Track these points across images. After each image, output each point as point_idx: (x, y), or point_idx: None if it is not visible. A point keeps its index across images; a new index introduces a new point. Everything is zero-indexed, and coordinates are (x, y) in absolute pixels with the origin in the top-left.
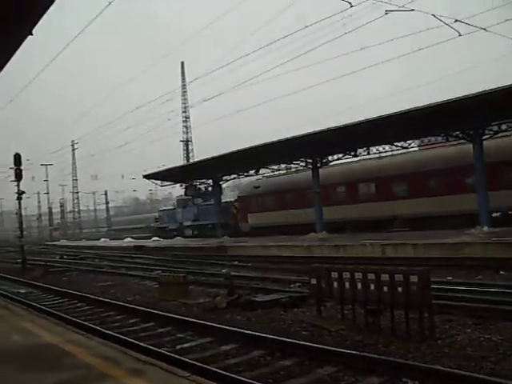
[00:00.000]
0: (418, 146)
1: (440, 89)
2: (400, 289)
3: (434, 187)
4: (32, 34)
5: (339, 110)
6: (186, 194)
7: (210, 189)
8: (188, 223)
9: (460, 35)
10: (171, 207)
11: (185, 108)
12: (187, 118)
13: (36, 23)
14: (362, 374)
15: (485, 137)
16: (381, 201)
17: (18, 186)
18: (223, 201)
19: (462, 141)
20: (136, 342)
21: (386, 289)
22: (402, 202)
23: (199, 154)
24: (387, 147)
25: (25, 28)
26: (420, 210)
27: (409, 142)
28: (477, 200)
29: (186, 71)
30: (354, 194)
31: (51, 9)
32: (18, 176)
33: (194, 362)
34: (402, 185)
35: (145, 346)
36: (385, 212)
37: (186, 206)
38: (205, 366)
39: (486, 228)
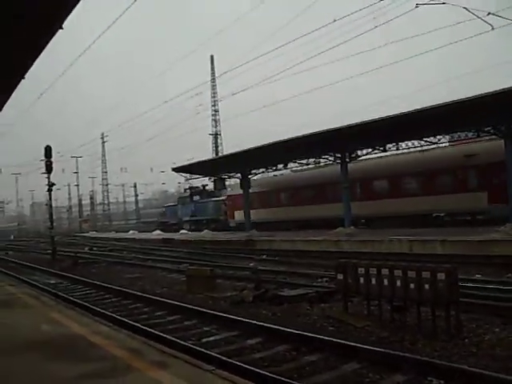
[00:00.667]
0: (449, 142)
1: (472, 83)
2: (427, 286)
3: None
4: (62, 28)
5: (374, 102)
6: (214, 188)
7: (206, 187)
8: (186, 218)
9: (493, 29)
10: (173, 204)
11: (214, 101)
12: (216, 111)
13: (67, 17)
14: (387, 371)
15: None
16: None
17: (48, 178)
18: (216, 199)
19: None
20: (162, 334)
21: (412, 285)
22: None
23: (228, 148)
24: (416, 143)
25: (56, 22)
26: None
27: (438, 137)
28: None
29: (215, 64)
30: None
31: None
32: (49, 168)
33: (219, 356)
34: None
35: (170, 338)
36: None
37: (184, 203)
38: (229, 360)
39: None
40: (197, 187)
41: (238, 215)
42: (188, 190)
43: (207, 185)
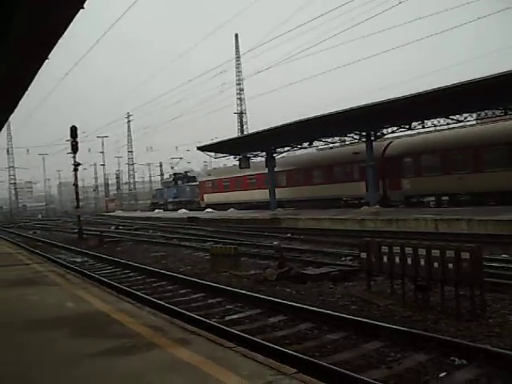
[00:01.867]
0: (476, 120)
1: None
2: (451, 265)
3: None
4: (84, 8)
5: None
6: (240, 167)
7: (188, 173)
8: (170, 199)
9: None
10: (161, 187)
11: (239, 80)
12: (241, 90)
13: None
14: (410, 350)
15: None
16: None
17: (74, 157)
18: (192, 184)
19: None
20: (185, 312)
21: (436, 265)
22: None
23: (253, 126)
24: (442, 120)
25: (77, 2)
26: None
27: (465, 115)
28: None
29: (239, 43)
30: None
31: None
32: (75, 148)
33: (241, 333)
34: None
35: (193, 316)
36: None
37: (169, 187)
38: (251, 337)
39: None
40: (180, 173)
41: (207, 198)
42: (173, 176)
43: (190, 170)
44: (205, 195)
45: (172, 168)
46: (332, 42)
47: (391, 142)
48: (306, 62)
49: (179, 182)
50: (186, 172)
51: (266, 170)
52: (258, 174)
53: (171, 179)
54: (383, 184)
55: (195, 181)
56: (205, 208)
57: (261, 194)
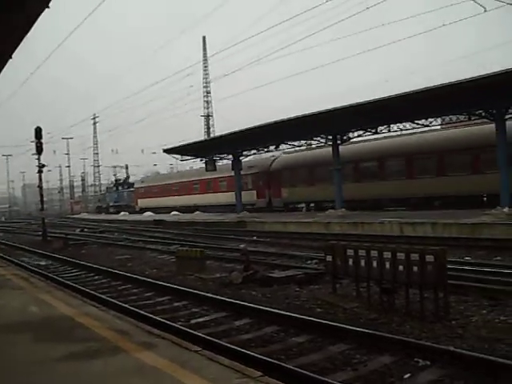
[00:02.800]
0: (440, 125)
1: (464, 66)
2: (416, 268)
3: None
4: (49, 7)
5: (362, 85)
6: (206, 169)
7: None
8: (112, 203)
9: (485, 11)
10: (105, 192)
11: (206, 83)
12: (208, 92)
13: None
14: (375, 352)
15: (507, 116)
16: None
17: (38, 159)
18: (129, 189)
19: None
20: (150, 315)
21: (401, 267)
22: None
23: (220, 129)
24: (408, 125)
25: (42, 1)
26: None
27: (430, 120)
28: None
29: (207, 46)
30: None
31: None
32: (39, 149)
33: (206, 337)
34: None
35: (159, 319)
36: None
37: (111, 192)
38: (217, 340)
39: (506, 209)
40: (120, 179)
41: (140, 202)
42: (114, 182)
43: (129, 177)
44: (139, 200)
45: (114, 175)
46: (301, 45)
47: (277, 158)
48: (276, 64)
49: (120, 188)
50: (125, 178)
51: (190, 178)
52: (181, 181)
53: (112, 185)
54: (269, 192)
55: (133, 187)
56: (140, 211)
57: (184, 200)
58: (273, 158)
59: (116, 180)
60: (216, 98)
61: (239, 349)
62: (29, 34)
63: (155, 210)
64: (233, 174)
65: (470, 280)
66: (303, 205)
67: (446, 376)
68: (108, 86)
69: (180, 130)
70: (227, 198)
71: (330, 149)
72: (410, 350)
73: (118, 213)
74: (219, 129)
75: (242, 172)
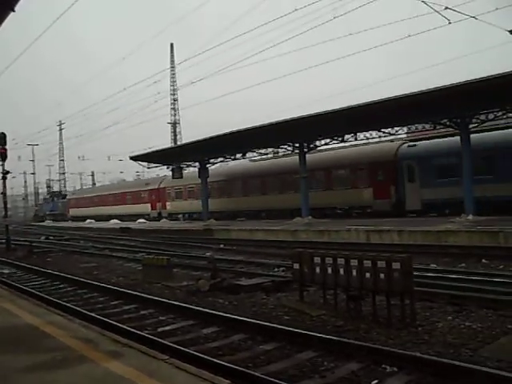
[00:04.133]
0: (406, 133)
1: (431, 76)
2: (382, 275)
3: None
4: (14, 11)
5: (330, 94)
6: (173, 177)
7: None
8: (48, 212)
9: (450, 23)
10: (42, 202)
11: (173, 90)
12: (175, 100)
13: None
14: (342, 359)
15: (471, 125)
16: None
17: (2, 165)
18: (63, 200)
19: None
20: (117, 324)
21: (368, 275)
22: None
23: (187, 137)
24: (374, 133)
25: (6, 5)
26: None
27: (396, 128)
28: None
29: (175, 53)
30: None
31: None
32: (3, 156)
33: (174, 345)
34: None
35: (125, 328)
36: None
37: (48, 202)
38: (184, 348)
39: (470, 216)
40: (56, 191)
41: (72, 212)
42: (51, 193)
43: (64, 189)
44: (70, 209)
45: (48, 187)
46: (270, 53)
47: (164, 179)
48: (247, 71)
49: (55, 199)
50: (60, 191)
51: (106, 192)
52: (101, 194)
53: (49, 196)
54: (159, 205)
55: (65, 198)
56: (71, 219)
57: (104, 210)
58: (162, 179)
59: (52, 192)
60: (184, 105)
61: (207, 357)
62: None
63: (82, 218)
64: (136, 189)
65: (435, 287)
66: (181, 215)
67: (413, 382)
68: (75, 93)
69: (147, 138)
70: (131, 209)
71: (196, 174)
72: (377, 357)
73: (53, 221)
74: (186, 136)
75: (140, 188)
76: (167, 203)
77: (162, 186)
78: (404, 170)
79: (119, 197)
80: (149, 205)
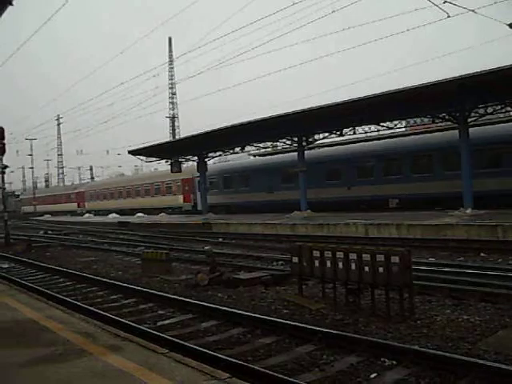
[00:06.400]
0: (405, 127)
1: (428, 70)
2: (381, 269)
3: None
4: (12, 4)
5: (330, 88)
6: (171, 171)
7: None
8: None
9: (449, 16)
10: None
11: (171, 84)
12: (174, 94)
13: None
14: (341, 352)
15: (470, 119)
16: None
17: (1, 160)
18: (18, 199)
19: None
20: (117, 318)
21: (367, 268)
22: None
23: (185, 131)
24: (373, 127)
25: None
26: None
27: (395, 122)
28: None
29: (173, 47)
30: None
31: None
32: (2, 150)
33: (173, 339)
34: None
35: (125, 322)
36: None
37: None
38: (183, 342)
39: (469, 210)
40: (9, 191)
41: (27, 208)
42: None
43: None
44: (37, 206)
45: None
46: (267, 47)
47: (85, 184)
48: (243, 66)
49: (9, 198)
50: (13, 191)
51: (62, 191)
52: (59, 194)
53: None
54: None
55: (18, 197)
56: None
57: (61, 207)
58: (85, 184)
59: (6, 192)
60: (183, 99)
61: (206, 351)
62: None
63: (45, 212)
64: (69, 191)
65: (434, 280)
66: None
67: (412, 375)
68: (73, 88)
69: (146, 132)
70: (64, 207)
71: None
72: (376, 350)
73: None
74: (186, 130)
75: (69, 191)
76: (86, 203)
77: (84, 189)
78: (195, 184)
79: (60, 197)
80: (75, 204)
